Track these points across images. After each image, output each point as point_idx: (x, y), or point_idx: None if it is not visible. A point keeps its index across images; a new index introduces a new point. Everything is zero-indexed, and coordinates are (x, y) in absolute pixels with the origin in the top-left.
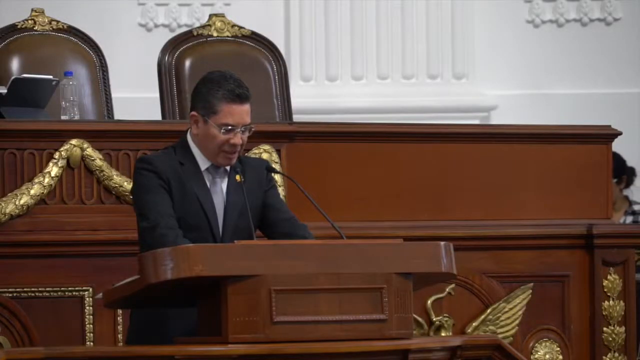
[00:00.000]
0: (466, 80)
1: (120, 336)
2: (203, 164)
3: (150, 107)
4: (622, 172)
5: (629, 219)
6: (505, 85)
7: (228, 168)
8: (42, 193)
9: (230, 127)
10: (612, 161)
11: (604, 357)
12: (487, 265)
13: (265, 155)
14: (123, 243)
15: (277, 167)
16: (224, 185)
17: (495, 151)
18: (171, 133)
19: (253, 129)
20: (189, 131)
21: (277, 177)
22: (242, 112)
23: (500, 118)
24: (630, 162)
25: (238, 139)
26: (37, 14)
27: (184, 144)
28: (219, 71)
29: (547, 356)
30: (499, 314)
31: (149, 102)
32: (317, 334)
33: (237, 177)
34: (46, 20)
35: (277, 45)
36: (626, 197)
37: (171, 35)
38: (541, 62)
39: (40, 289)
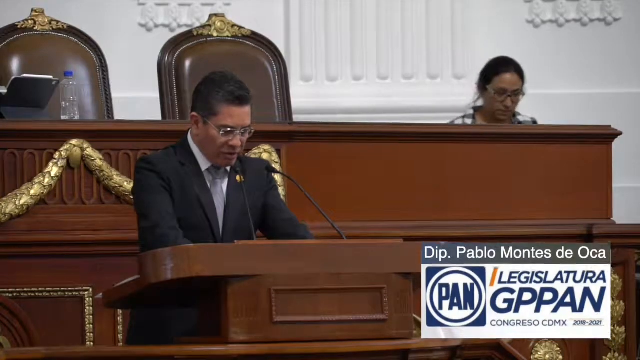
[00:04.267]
0: (466, 80)
1: (120, 336)
2: (204, 164)
3: (150, 107)
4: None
5: None
6: None
7: (228, 168)
8: (42, 193)
9: (229, 129)
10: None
11: (604, 357)
12: None
13: (265, 155)
14: (123, 243)
15: (277, 167)
16: (225, 186)
17: (495, 151)
18: (171, 133)
19: (253, 131)
20: (189, 131)
21: (277, 177)
22: (241, 114)
23: None
24: (630, 162)
25: (237, 140)
26: (37, 14)
27: (184, 144)
28: (221, 72)
29: (547, 356)
30: None
31: (149, 102)
32: (317, 334)
33: (238, 177)
34: (46, 20)
35: (277, 45)
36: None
37: (171, 35)
38: (541, 62)
39: (40, 289)
